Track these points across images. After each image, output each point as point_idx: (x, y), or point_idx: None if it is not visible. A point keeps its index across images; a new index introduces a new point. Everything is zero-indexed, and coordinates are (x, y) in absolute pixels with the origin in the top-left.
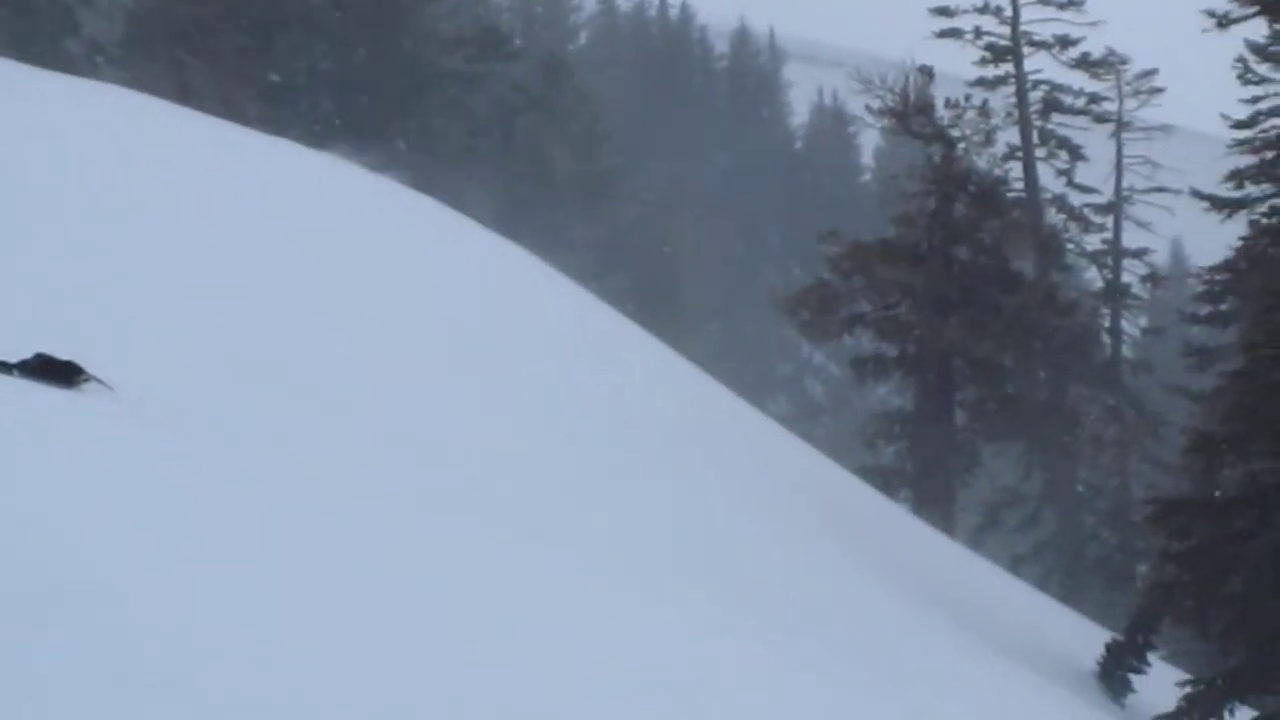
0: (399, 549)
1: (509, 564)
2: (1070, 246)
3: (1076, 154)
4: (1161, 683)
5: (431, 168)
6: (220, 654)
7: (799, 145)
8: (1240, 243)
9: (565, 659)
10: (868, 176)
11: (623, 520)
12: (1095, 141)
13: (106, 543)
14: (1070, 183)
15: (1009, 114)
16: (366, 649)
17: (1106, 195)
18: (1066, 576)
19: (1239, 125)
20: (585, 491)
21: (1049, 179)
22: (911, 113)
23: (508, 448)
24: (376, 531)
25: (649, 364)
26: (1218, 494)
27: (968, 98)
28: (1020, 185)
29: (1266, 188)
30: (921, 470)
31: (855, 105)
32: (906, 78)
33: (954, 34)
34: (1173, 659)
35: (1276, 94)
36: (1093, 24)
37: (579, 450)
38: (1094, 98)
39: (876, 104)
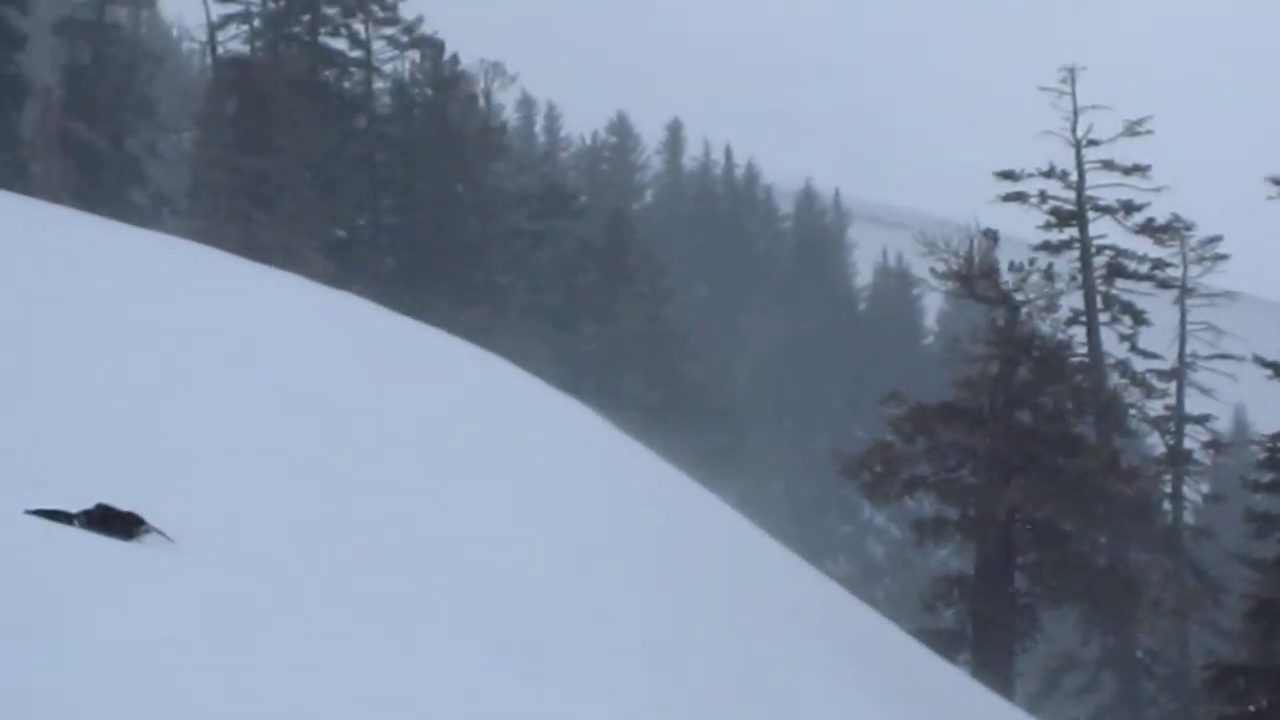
0: (450, 698)
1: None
2: (1133, 411)
3: (1140, 319)
4: None
5: (496, 323)
6: None
7: (863, 306)
8: None
9: None
10: (930, 339)
11: (685, 676)
12: (1159, 307)
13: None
14: (1133, 348)
15: (1073, 278)
16: None
17: (1169, 361)
18: None
19: None
20: (643, 644)
21: (1112, 344)
22: (976, 276)
23: (563, 598)
24: (433, 685)
25: (709, 522)
26: (1277, 660)
27: (1032, 261)
28: (1083, 350)
29: None
30: (981, 633)
31: (920, 267)
32: (971, 241)
33: (1019, 198)
34: None
35: None
36: (1157, 190)
37: (634, 603)
38: (1158, 263)
39: (941, 267)
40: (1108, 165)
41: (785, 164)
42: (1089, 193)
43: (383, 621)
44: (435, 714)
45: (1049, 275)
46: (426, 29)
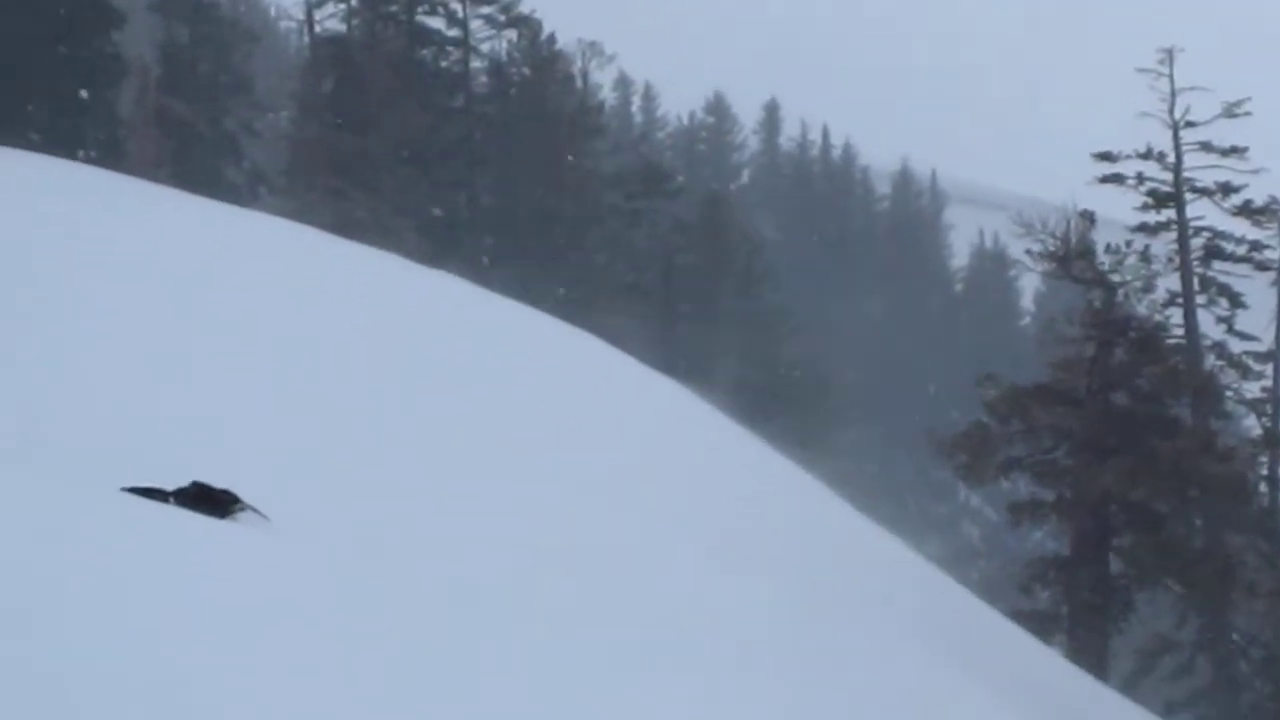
0: (529, 674)
1: (642, 694)
2: (1229, 393)
3: (1237, 301)
4: None
5: (593, 303)
6: None
7: (959, 287)
8: None
9: None
10: (1027, 320)
11: (776, 658)
12: (1256, 289)
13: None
14: (1230, 330)
15: (1170, 260)
16: None
17: (1267, 343)
18: None
19: None
20: (735, 631)
21: (1209, 326)
22: (1072, 257)
23: (660, 589)
24: (512, 658)
25: (804, 503)
26: None
27: (1129, 243)
28: (1180, 332)
29: None
30: (1076, 615)
31: (1016, 249)
32: (1068, 222)
33: (1116, 179)
34: None
35: None
36: (1255, 172)
37: (727, 586)
38: (1255, 245)
39: (1037, 248)
40: (1205, 147)
41: (882, 143)
42: (1186, 174)
43: (481, 606)
44: (521, 701)
45: (1146, 257)
46: (524, 8)
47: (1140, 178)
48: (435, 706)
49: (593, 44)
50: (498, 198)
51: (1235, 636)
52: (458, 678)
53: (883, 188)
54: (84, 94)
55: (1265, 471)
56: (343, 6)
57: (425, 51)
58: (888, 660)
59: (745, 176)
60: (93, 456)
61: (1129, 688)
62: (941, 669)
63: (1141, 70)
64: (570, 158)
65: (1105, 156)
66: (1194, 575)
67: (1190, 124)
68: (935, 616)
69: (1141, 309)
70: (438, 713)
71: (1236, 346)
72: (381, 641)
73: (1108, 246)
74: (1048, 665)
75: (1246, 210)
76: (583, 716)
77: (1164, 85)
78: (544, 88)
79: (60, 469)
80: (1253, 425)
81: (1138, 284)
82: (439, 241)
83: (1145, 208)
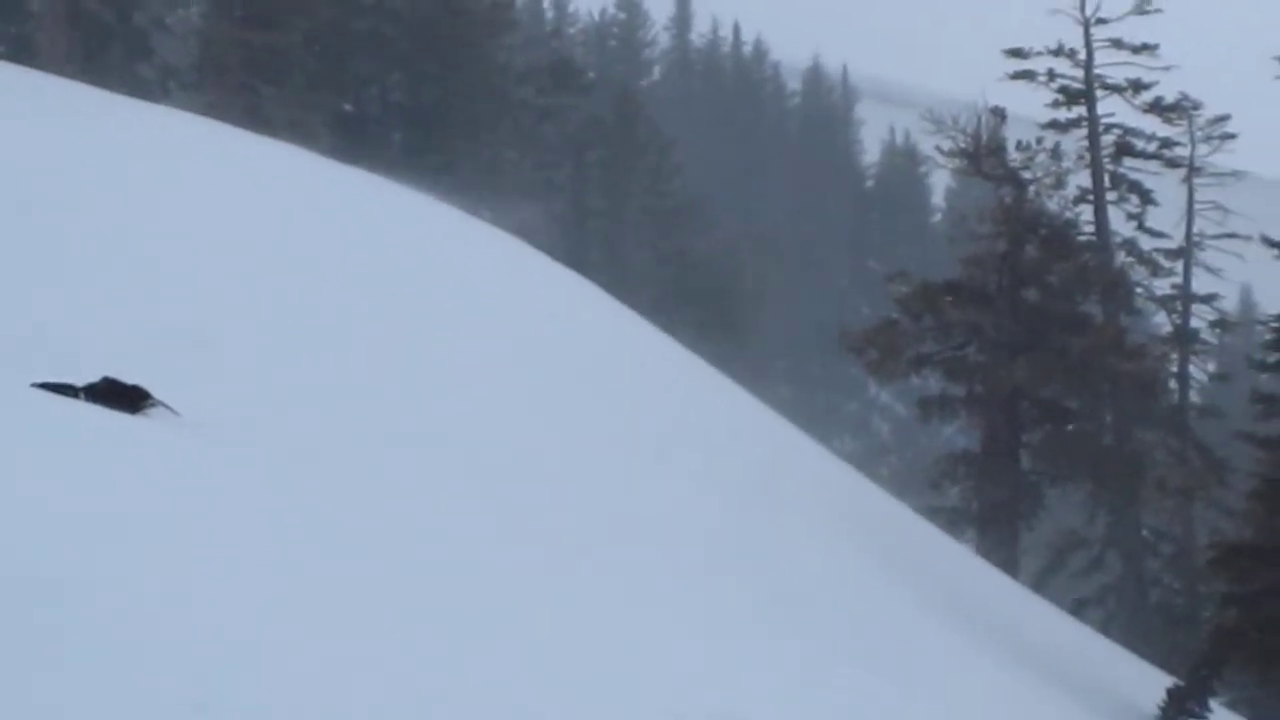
0: (463, 576)
1: (569, 595)
2: (1139, 290)
3: (1147, 198)
4: None
5: (502, 199)
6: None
7: (870, 184)
8: None
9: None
10: (938, 217)
11: (682, 550)
12: (1166, 186)
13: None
14: (1140, 227)
15: (1080, 157)
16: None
17: (1177, 240)
18: (1129, 621)
19: None
20: (636, 515)
21: (1119, 223)
22: (983, 154)
23: (565, 478)
24: (439, 563)
25: (716, 398)
26: None
27: (1040, 140)
28: (1090, 228)
29: None
30: (986, 512)
31: (927, 145)
32: (979, 119)
33: (1027, 76)
34: (1235, 705)
35: None
36: (1166, 69)
37: (631, 475)
38: (1166, 142)
39: (948, 144)
40: (1116, 44)
41: (794, 39)
42: (1097, 71)
43: (393, 509)
44: (468, 607)
45: (1056, 154)
46: None
47: (1051, 74)
48: (353, 602)
49: None
50: (408, 94)
51: (1144, 532)
52: (362, 576)
53: (794, 84)
54: None
55: (1175, 368)
56: None
57: None
58: (799, 550)
59: (656, 73)
60: (13, 357)
61: (1039, 584)
62: (853, 560)
63: None
64: (481, 54)
65: (1016, 53)
66: (1104, 471)
67: (1101, 20)
68: (845, 508)
69: (1052, 206)
70: (353, 608)
71: (1147, 244)
72: (306, 535)
73: (1019, 143)
74: (958, 560)
75: (1157, 107)
76: (524, 617)
77: None
78: None
79: None
80: (1163, 322)
81: (1048, 181)
82: (350, 137)
83: (1056, 104)
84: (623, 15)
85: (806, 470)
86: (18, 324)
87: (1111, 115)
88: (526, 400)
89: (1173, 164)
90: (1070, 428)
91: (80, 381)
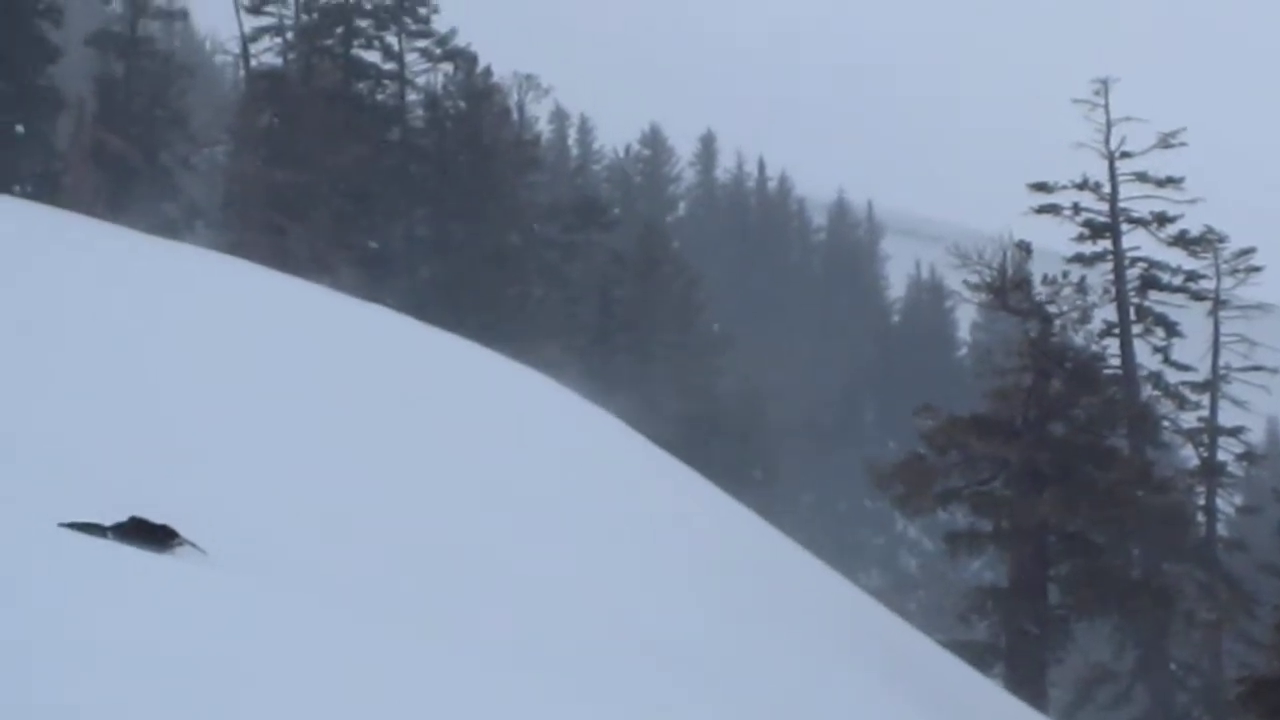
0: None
1: None
2: (1166, 424)
3: (1173, 331)
4: None
5: (528, 335)
6: None
7: (896, 318)
8: None
9: None
10: (964, 351)
11: (708, 687)
12: (1192, 319)
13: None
14: (1167, 360)
15: (1106, 290)
16: None
17: (1203, 373)
18: None
19: None
20: (671, 654)
21: (1145, 356)
22: (1009, 288)
23: (587, 603)
24: (457, 690)
25: (740, 534)
26: None
27: (1065, 274)
28: (1116, 362)
29: None
30: (1014, 645)
31: (953, 279)
32: (1004, 253)
33: (1052, 210)
34: None
35: None
36: (1191, 202)
37: (654, 603)
38: (1192, 275)
39: (974, 279)
40: (1141, 177)
41: (819, 175)
42: (1122, 205)
43: (417, 632)
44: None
45: (1082, 287)
46: (460, 41)
47: (1076, 208)
48: None
49: (529, 77)
50: (434, 230)
51: (1173, 666)
52: (393, 703)
53: (819, 219)
54: (20, 128)
55: (1202, 501)
56: (278, 41)
57: (361, 85)
58: (822, 684)
59: (682, 209)
60: (32, 490)
61: (1068, 718)
62: (879, 696)
63: (1077, 101)
64: (506, 191)
65: (1041, 187)
66: (1132, 605)
67: (1126, 154)
68: (871, 643)
69: (1078, 339)
70: None
71: (1173, 377)
72: (322, 671)
73: (1044, 277)
74: (986, 695)
75: (1182, 240)
76: None
77: (1100, 116)
78: (480, 120)
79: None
80: (1190, 455)
81: (1074, 314)
82: (375, 274)
83: (1081, 238)
84: (647, 151)
85: (832, 605)
86: (45, 459)
87: (1137, 248)
88: (553, 531)
89: (1198, 297)
90: (1098, 561)
91: (108, 520)
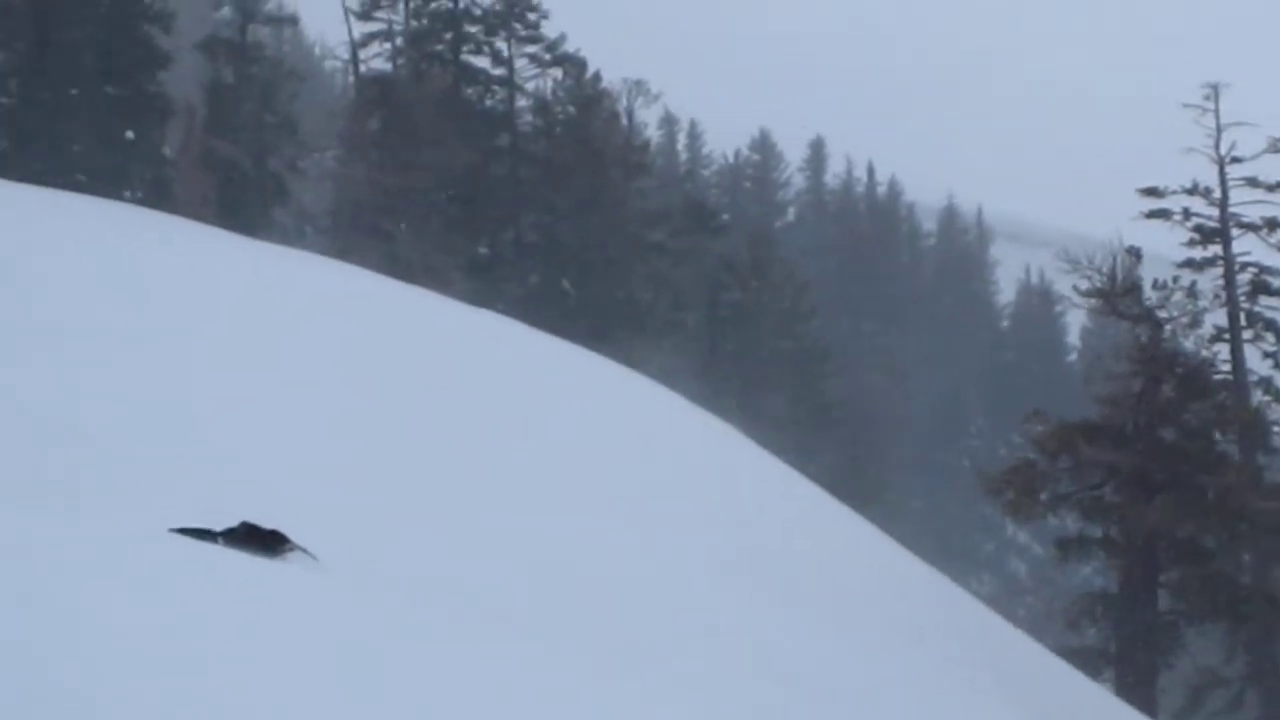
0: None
1: None
2: (1276, 429)
3: None
4: None
5: (638, 340)
6: None
7: (1005, 324)
8: None
9: None
10: (1073, 356)
11: (819, 693)
12: None
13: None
14: (1277, 365)
15: (1216, 296)
16: None
17: None
18: None
19: None
20: (782, 663)
21: (1256, 361)
22: (1119, 293)
23: (702, 618)
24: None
25: (849, 539)
26: None
27: (1175, 279)
28: (1227, 367)
29: None
30: (1124, 651)
31: (1062, 285)
32: (1114, 258)
33: (1162, 215)
34: None
35: None
36: None
37: (778, 620)
38: None
39: (1084, 284)
40: (1251, 182)
41: (928, 180)
42: (1232, 209)
43: (544, 647)
44: None
45: (1192, 292)
46: (569, 47)
47: (1186, 213)
48: None
49: (638, 82)
50: (543, 236)
51: None
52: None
53: (929, 224)
54: (130, 134)
55: None
56: (388, 46)
57: (471, 90)
58: (931, 690)
59: (791, 214)
60: (143, 497)
61: None
62: (987, 703)
63: (1187, 106)
64: (616, 197)
65: (1151, 192)
66: (1242, 610)
67: (1236, 159)
68: (978, 652)
69: (1188, 345)
70: None
71: None
72: (428, 682)
73: (1154, 282)
74: (1095, 701)
75: None
76: None
77: (1210, 120)
78: (589, 126)
79: (111, 510)
80: None
81: (1184, 320)
82: (485, 280)
83: (1191, 243)
84: (757, 157)
85: (940, 609)
86: (158, 467)
87: (1247, 254)
88: (664, 540)
89: None
90: (1208, 567)
91: (219, 526)
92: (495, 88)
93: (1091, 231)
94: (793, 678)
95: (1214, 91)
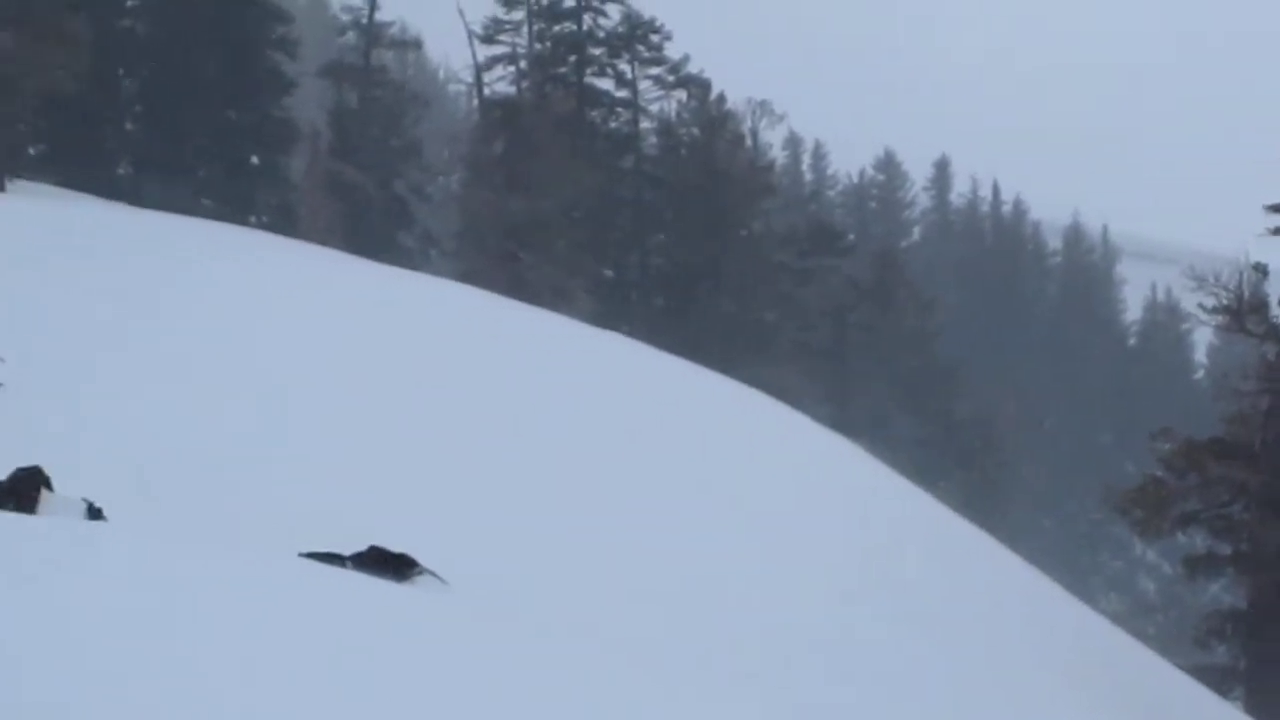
0: None
1: None
2: None
3: None
4: None
5: (764, 361)
6: None
7: (1132, 341)
8: None
9: None
10: (1201, 374)
11: (940, 712)
12: None
13: None
14: None
15: None
16: None
17: None
18: None
19: None
20: (908, 684)
21: None
22: (1246, 311)
23: (827, 636)
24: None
25: (977, 558)
26: None
27: None
28: None
29: None
30: (1255, 669)
31: (1189, 303)
32: (1241, 275)
33: None
34: None
35: None
36: None
37: (904, 642)
38: None
39: (1210, 302)
40: None
41: (1053, 200)
42: None
43: (641, 660)
44: None
45: None
46: (693, 68)
47: None
48: None
49: (762, 103)
50: (668, 258)
51: None
52: None
53: (1054, 243)
54: (255, 159)
55: None
56: (512, 69)
57: (594, 113)
58: (1058, 710)
59: (916, 233)
60: (274, 521)
61: None
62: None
63: None
64: (741, 218)
65: (1278, 209)
66: None
67: None
68: (1106, 671)
69: None
70: None
71: None
72: (554, 711)
73: None
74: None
75: None
76: None
77: None
78: (714, 147)
79: (243, 535)
80: None
81: None
82: (610, 302)
83: None
84: (882, 177)
85: (1070, 629)
86: (285, 489)
87: None
88: (792, 563)
89: None
90: None
91: (348, 550)
92: (619, 110)
93: (1218, 249)
94: (914, 694)
95: None
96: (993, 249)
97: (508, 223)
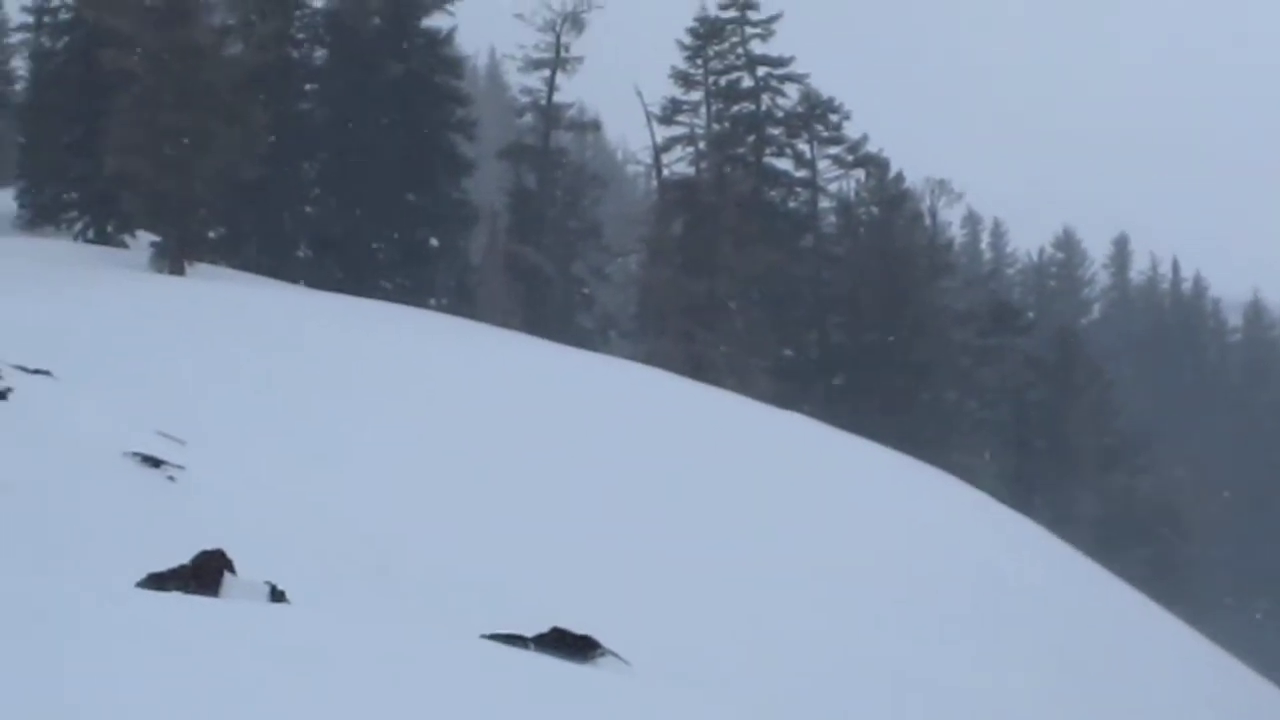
0: None
1: None
2: None
3: None
4: None
5: (944, 440)
6: None
7: None
8: None
9: None
10: None
11: None
12: None
13: None
14: None
15: None
16: None
17: None
18: None
19: None
20: None
21: None
22: None
23: (989, 703)
24: None
25: (1159, 639)
26: None
27: None
28: None
29: None
30: None
31: None
32: None
33: None
34: None
35: None
36: None
37: (1064, 706)
38: None
39: None
40: None
41: (1233, 276)
42: None
43: None
44: None
45: None
46: (871, 147)
47: None
48: None
49: (941, 181)
50: (847, 337)
51: None
52: None
53: (1234, 319)
54: (434, 241)
55: None
56: (690, 150)
57: (773, 192)
58: None
59: (1096, 311)
60: (455, 599)
61: None
62: None
63: None
64: (920, 296)
65: None
66: None
67: None
68: None
69: None
70: None
71: None
72: None
73: None
74: None
75: None
76: None
77: None
78: (892, 226)
79: (425, 616)
80: None
81: None
82: (790, 381)
83: None
84: (1061, 255)
85: (1251, 710)
86: (468, 571)
87: None
88: (968, 641)
89: None
90: None
91: (529, 632)
92: (798, 190)
93: None
94: None
95: None
96: (1173, 325)
97: (687, 303)
